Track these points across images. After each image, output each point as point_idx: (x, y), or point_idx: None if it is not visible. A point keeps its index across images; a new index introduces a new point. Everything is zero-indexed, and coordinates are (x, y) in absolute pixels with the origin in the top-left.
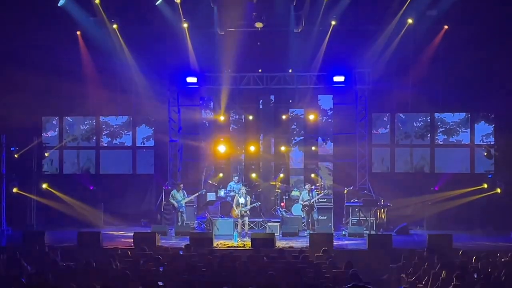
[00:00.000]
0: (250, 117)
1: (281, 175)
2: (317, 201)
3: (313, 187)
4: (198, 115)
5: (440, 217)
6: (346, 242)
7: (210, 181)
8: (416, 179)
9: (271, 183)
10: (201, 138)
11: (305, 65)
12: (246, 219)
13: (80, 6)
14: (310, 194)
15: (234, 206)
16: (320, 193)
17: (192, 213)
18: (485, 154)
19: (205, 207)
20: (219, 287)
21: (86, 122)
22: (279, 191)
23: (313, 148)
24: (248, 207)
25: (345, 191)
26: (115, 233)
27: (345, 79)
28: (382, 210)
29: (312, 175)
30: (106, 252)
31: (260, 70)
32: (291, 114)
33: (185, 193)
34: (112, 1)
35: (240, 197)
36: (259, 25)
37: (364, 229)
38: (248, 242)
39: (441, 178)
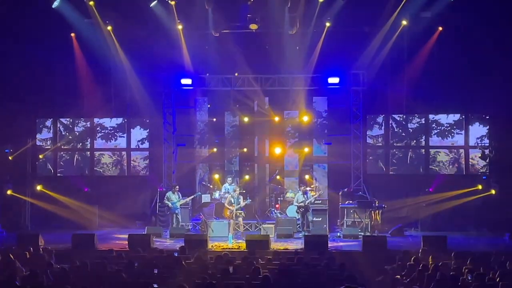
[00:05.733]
0: (245, 119)
1: (277, 177)
2: (312, 202)
3: (308, 188)
4: (193, 117)
5: (434, 219)
6: (341, 243)
7: (204, 183)
8: (411, 181)
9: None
10: (196, 140)
11: (300, 66)
12: (240, 219)
13: (74, 8)
14: (305, 196)
15: (226, 205)
16: (315, 194)
17: (187, 215)
18: (480, 155)
19: (200, 209)
20: None
21: (80, 124)
22: (274, 193)
23: (308, 149)
24: (242, 204)
25: (340, 193)
26: (109, 235)
27: (339, 81)
28: (377, 211)
29: (307, 177)
30: (100, 254)
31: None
32: (286, 116)
33: (180, 195)
34: (107, 3)
35: (233, 197)
36: (253, 26)
37: (359, 230)
38: (243, 244)
39: (436, 179)
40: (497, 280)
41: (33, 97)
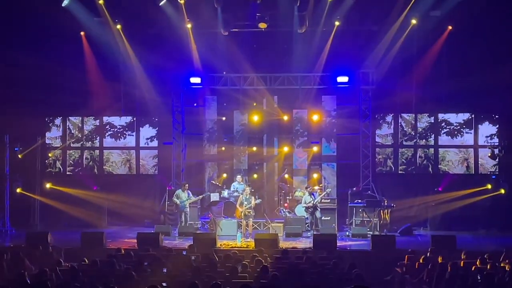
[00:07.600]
0: (254, 118)
1: (286, 175)
2: (320, 201)
3: (316, 187)
4: (202, 115)
5: (444, 218)
6: (350, 242)
7: (213, 182)
8: (420, 180)
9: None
10: (204, 139)
11: (309, 65)
12: (250, 220)
13: (84, 7)
14: (312, 196)
15: (237, 206)
16: (322, 193)
17: (196, 213)
18: (489, 155)
19: (209, 208)
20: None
21: (89, 123)
22: (282, 191)
23: (317, 148)
24: (252, 204)
25: (349, 192)
26: (118, 233)
27: (348, 80)
28: (386, 210)
29: (315, 176)
30: (109, 252)
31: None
32: (295, 115)
33: (189, 193)
34: (116, 2)
35: (243, 197)
36: (262, 25)
37: (368, 229)
38: (251, 243)
39: (445, 178)
40: (507, 279)
41: (42, 96)
